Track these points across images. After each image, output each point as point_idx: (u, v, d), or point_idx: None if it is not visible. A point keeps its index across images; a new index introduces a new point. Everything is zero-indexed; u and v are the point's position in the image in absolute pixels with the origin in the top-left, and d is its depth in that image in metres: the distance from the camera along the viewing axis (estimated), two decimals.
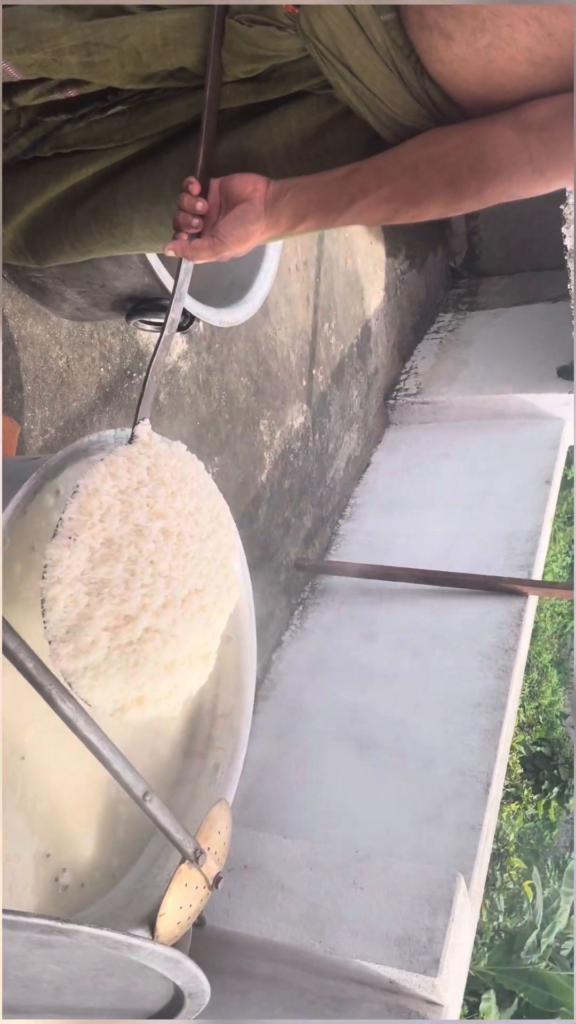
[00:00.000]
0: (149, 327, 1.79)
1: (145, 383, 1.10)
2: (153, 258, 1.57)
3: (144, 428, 1.11)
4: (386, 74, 0.91)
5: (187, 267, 1.06)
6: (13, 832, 1.17)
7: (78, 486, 0.99)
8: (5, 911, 0.78)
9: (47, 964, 0.99)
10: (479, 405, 3.91)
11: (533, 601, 3.00)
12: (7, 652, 0.96)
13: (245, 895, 2.02)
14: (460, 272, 5.13)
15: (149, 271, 1.58)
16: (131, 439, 1.11)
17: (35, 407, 1.83)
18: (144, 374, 1.10)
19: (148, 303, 1.72)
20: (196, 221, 0.99)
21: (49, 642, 0.97)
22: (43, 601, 0.95)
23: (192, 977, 1.01)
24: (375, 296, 3.98)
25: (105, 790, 1.32)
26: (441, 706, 2.60)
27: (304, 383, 3.25)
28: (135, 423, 1.11)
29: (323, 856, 2.03)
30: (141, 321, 1.77)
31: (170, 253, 1.02)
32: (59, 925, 0.82)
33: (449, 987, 1.81)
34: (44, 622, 0.96)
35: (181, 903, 1.25)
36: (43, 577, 0.96)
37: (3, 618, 0.95)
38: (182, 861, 1.24)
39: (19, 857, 1.17)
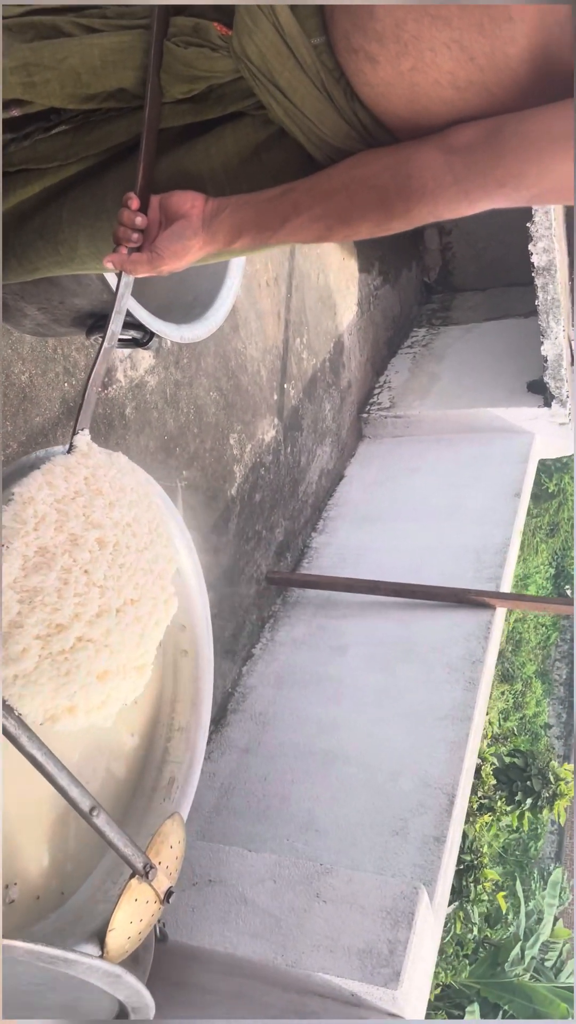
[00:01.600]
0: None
1: (84, 394, 1.12)
2: (111, 275, 1.58)
3: (83, 438, 1.11)
4: (316, 96, 0.94)
5: (127, 280, 1.09)
6: None
7: (12, 494, 0.99)
8: None
9: None
10: (451, 419, 3.94)
11: (501, 613, 3.02)
12: None
13: (208, 909, 2.02)
14: (434, 287, 5.19)
15: (107, 288, 1.60)
16: (69, 449, 1.11)
17: None
18: (84, 385, 1.11)
19: (107, 319, 1.73)
20: (136, 236, 1.02)
21: None
22: None
23: (134, 992, 1.02)
24: (348, 311, 4.01)
25: (54, 803, 1.32)
26: (408, 718, 2.61)
27: (275, 397, 3.27)
28: (74, 432, 1.12)
29: (287, 869, 2.03)
30: (101, 337, 1.78)
31: (109, 266, 1.05)
32: None
33: (411, 999, 1.81)
34: None
35: (131, 918, 1.25)
36: None
37: None
38: (132, 876, 1.24)
39: None
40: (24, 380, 1.93)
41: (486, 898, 4.12)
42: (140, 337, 1.77)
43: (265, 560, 3.20)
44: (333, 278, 3.82)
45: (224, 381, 2.87)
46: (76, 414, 1.13)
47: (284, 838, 2.32)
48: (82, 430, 1.12)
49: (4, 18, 1.04)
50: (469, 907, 4.07)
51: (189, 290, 1.97)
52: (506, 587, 3.14)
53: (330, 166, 0.97)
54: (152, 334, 1.73)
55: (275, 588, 3.26)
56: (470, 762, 2.51)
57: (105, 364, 1.14)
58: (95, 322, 1.75)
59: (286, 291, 3.35)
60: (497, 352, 4.26)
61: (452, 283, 5.16)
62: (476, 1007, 4.77)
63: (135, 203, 1.02)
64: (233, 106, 1.00)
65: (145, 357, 2.40)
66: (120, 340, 1.80)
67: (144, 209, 1.03)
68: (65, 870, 1.36)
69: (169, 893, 1.31)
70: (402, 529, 3.50)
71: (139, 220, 1.01)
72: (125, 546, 1.08)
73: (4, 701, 1.01)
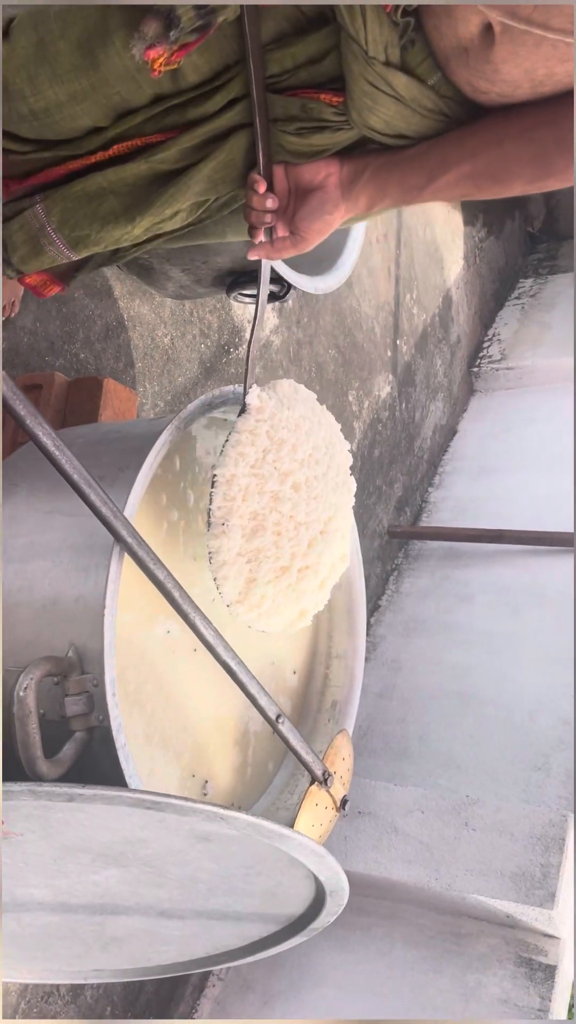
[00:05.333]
0: (248, 299, 1.89)
1: (248, 357, 1.19)
2: None
3: (253, 395, 1.19)
4: (441, 122, 0.92)
5: (267, 265, 1.12)
6: (162, 756, 1.29)
7: (215, 476, 1.11)
8: (179, 797, 0.90)
9: (204, 862, 1.10)
10: (565, 367, 3.87)
11: None
12: (156, 582, 1.08)
13: (359, 838, 2.11)
14: (539, 237, 5.07)
15: (249, 244, 1.68)
16: (242, 410, 1.19)
17: (145, 382, 1.96)
18: (247, 348, 1.19)
19: (247, 275, 1.81)
20: (269, 217, 0.98)
21: (228, 606, 1.15)
22: (215, 579, 1.12)
23: (334, 873, 1.11)
24: (455, 265, 3.99)
25: (238, 721, 1.43)
26: (542, 661, 2.63)
27: (389, 354, 3.31)
28: (244, 394, 1.19)
29: (434, 801, 2.10)
30: (240, 294, 1.87)
31: (255, 258, 1.04)
32: (222, 812, 0.93)
33: (566, 920, 1.87)
34: (220, 592, 1.13)
35: (313, 822, 1.35)
36: (210, 562, 1.12)
37: (156, 554, 1.07)
38: (312, 783, 1.34)
39: (167, 775, 1.29)
40: (166, 343, 2.04)
41: None
42: (278, 291, 1.85)
43: (386, 514, 3.26)
44: (439, 232, 3.81)
45: (341, 339, 2.93)
46: (244, 377, 1.20)
47: (427, 774, 2.39)
48: (250, 388, 1.19)
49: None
50: None
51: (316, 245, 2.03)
52: None
53: (477, 121, 0.91)
54: (289, 287, 1.81)
55: (396, 541, 3.32)
56: None
57: (261, 327, 1.21)
58: (234, 280, 1.84)
59: (395, 247, 3.37)
60: None
61: (558, 231, 5.03)
62: None
63: (262, 186, 0.96)
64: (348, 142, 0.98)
65: (271, 317, 2.48)
66: (256, 295, 1.89)
67: (270, 183, 0.97)
68: (242, 784, 1.48)
69: (344, 801, 1.40)
70: (521, 479, 3.48)
71: (270, 203, 0.96)
72: (314, 478, 1.19)
73: (204, 614, 1.12)
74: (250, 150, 0.97)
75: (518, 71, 0.84)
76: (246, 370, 1.21)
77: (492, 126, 0.90)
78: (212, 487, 1.13)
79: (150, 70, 0.88)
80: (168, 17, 0.84)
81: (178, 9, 0.83)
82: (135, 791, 0.87)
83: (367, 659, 2.88)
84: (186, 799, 0.90)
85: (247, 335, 2.40)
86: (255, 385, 1.23)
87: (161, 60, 0.87)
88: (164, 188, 1.00)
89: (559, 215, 5.00)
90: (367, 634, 3.00)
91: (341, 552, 1.26)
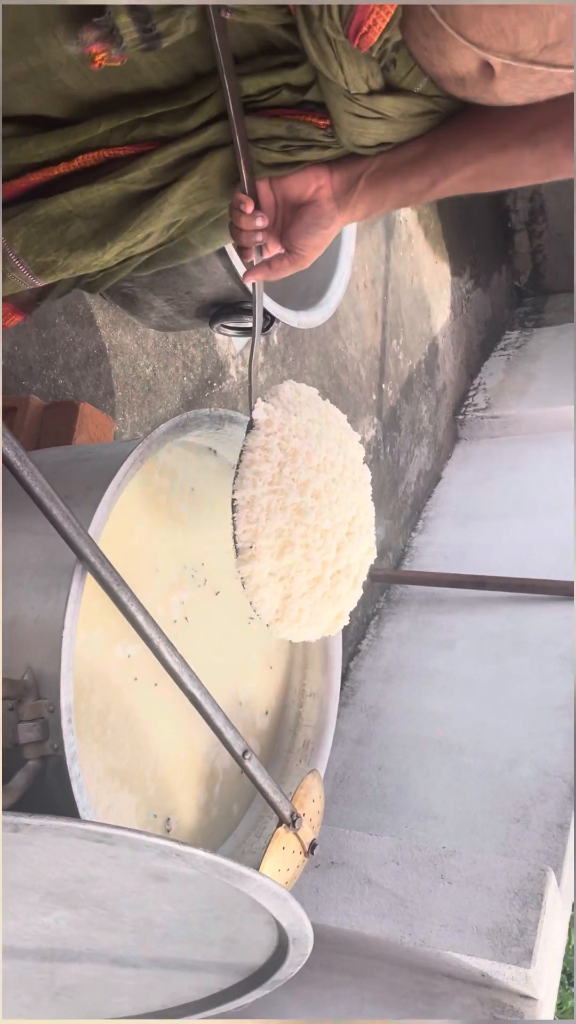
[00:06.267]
0: (231, 332, 1.88)
1: (251, 372, 1.15)
2: (236, 262, 1.66)
3: (259, 409, 1.13)
4: (429, 120, 0.91)
5: (261, 285, 1.08)
6: (123, 792, 1.23)
7: (235, 500, 1.07)
8: (132, 830, 0.84)
9: (160, 904, 1.04)
10: (550, 417, 3.90)
11: None
12: (119, 604, 1.04)
13: (332, 890, 2.03)
14: (525, 291, 5.16)
15: (233, 275, 1.67)
16: (250, 427, 1.14)
17: (125, 412, 1.94)
18: (249, 364, 1.16)
19: (230, 308, 1.81)
20: (260, 236, 0.96)
21: (267, 625, 1.13)
22: (251, 603, 1.10)
23: (297, 919, 1.05)
24: (441, 314, 4.04)
25: (201, 760, 1.38)
26: (523, 709, 2.58)
27: (374, 397, 3.32)
28: (251, 410, 1.15)
29: (409, 852, 2.03)
30: (223, 326, 1.87)
31: (252, 280, 1.01)
32: (177, 848, 0.87)
33: (543, 980, 1.79)
34: (258, 614, 1.12)
35: (279, 866, 1.29)
36: (244, 587, 1.09)
37: (120, 574, 1.03)
38: (279, 824, 1.28)
39: (128, 811, 1.23)
40: (148, 374, 2.03)
41: None
42: (262, 324, 1.85)
43: None
44: (427, 281, 3.86)
45: (327, 380, 2.93)
46: (249, 396, 1.15)
47: (403, 825, 2.32)
48: (256, 403, 1.14)
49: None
50: None
51: (302, 281, 2.04)
52: None
53: (477, 116, 0.89)
54: (273, 320, 1.80)
55: (378, 585, 3.28)
56: None
57: (260, 352, 1.18)
58: (218, 311, 1.84)
59: (383, 293, 3.40)
60: None
61: (544, 285, 5.12)
62: None
63: (249, 206, 0.93)
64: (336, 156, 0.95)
65: (255, 354, 2.48)
66: (241, 329, 1.88)
67: (256, 200, 0.94)
68: (208, 825, 1.41)
69: (313, 844, 1.34)
70: (505, 526, 3.47)
71: (259, 222, 0.94)
72: (332, 481, 1.14)
73: (169, 640, 1.07)
74: (228, 170, 0.93)
75: (520, 99, 0.83)
76: (250, 386, 1.16)
77: (495, 126, 0.88)
78: (233, 512, 1.08)
79: (91, 61, 0.84)
80: (111, 32, 0.80)
81: (121, 29, 0.80)
82: (84, 822, 0.82)
83: (345, 704, 2.82)
84: (139, 831, 0.84)
85: (231, 370, 2.39)
86: (260, 400, 1.17)
87: (102, 56, 0.83)
88: (136, 211, 0.96)
89: (545, 271, 5.10)
90: (346, 679, 2.94)
91: (368, 546, 1.23)
